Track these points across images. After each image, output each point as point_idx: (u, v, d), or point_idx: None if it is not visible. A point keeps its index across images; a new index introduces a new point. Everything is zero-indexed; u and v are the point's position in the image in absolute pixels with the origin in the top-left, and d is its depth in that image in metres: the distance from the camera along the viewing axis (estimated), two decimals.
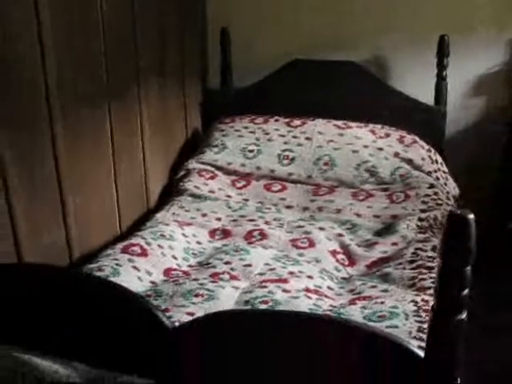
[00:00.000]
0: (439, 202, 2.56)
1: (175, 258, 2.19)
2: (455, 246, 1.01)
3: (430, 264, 2.06)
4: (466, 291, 1.04)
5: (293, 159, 2.81)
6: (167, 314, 1.70)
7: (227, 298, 1.84)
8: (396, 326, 1.66)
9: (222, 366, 1.29)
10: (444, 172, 2.84)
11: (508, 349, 2.53)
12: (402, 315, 1.73)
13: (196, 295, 1.84)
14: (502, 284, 2.82)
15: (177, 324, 1.32)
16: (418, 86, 3.05)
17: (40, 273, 1.46)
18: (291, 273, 2.04)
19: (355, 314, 1.76)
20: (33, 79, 1.87)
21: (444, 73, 2.95)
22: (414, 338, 1.60)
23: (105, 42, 2.22)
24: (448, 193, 2.72)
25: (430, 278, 1.95)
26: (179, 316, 1.69)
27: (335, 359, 1.22)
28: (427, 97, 2.99)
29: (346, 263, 2.24)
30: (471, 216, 0.99)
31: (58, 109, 1.97)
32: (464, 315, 1.05)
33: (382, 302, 1.83)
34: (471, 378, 1.81)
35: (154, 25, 2.65)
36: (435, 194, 2.61)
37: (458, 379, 1.65)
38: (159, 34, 2.71)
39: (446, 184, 2.77)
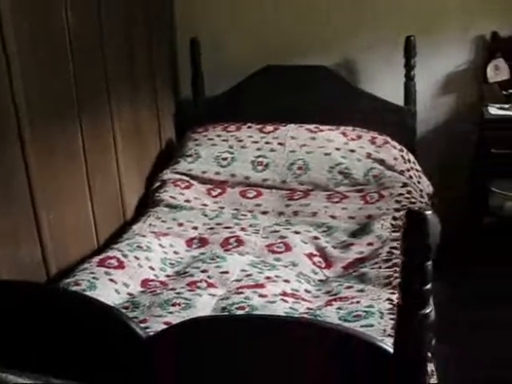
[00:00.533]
0: (413, 200, 2.60)
1: (152, 268, 2.19)
2: (414, 243, 1.03)
3: None
4: (428, 286, 1.06)
5: (267, 165, 2.83)
6: (144, 324, 1.71)
7: (204, 306, 1.85)
8: (371, 325, 1.69)
9: (198, 373, 1.30)
10: (417, 171, 2.88)
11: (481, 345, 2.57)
12: (377, 314, 1.75)
13: (173, 304, 1.85)
14: (473, 280, 2.87)
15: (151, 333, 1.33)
16: (387, 87, 3.10)
17: (14, 289, 1.46)
18: (268, 278, 2.06)
19: (331, 315, 1.78)
20: None
21: (412, 73, 3.00)
22: (389, 335, 1.61)
23: (72, 58, 2.23)
24: (422, 191, 2.77)
25: None
26: (156, 326, 1.68)
27: (309, 360, 1.23)
28: (398, 98, 3.03)
29: (323, 266, 2.26)
30: (429, 212, 1.02)
31: (26, 123, 1.96)
32: (428, 310, 1.08)
33: (358, 302, 1.85)
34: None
35: (122, 38, 2.66)
36: (409, 192, 2.64)
37: (434, 372, 1.68)
38: (127, 47, 2.71)
39: (419, 182, 2.82)
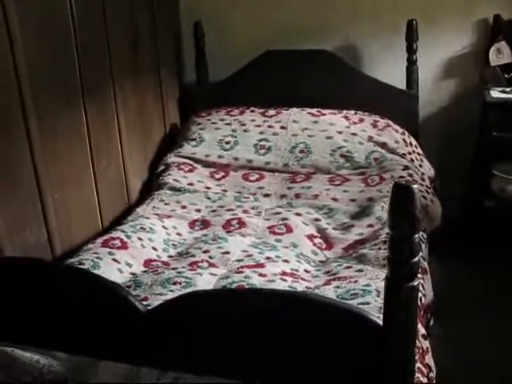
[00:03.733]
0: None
1: (155, 249, 2.23)
2: (401, 215, 1.06)
3: None
4: (415, 259, 1.08)
5: (269, 148, 2.86)
6: (146, 302, 1.74)
7: (204, 284, 1.89)
8: (368, 303, 1.71)
9: (197, 345, 1.34)
10: (419, 154, 2.90)
11: None
12: (374, 292, 1.78)
13: (174, 283, 1.88)
14: (473, 262, 2.91)
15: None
16: (389, 71, 3.11)
17: (19, 265, 1.50)
18: (268, 258, 2.09)
19: (329, 293, 1.81)
20: (3, 75, 1.89)
21: (414, 57, 3.01)
22: None
23: (76, 43, 2.26)
24: (423, 174, 2.78)
25: None
26: (157, 304, 1.72)
27: (303, 332, 1.27)
28: (400, 81, 3.04)
29: (324, 247, 2.29)
30: (415, 186, 1.04)
31: (31, 106, 2.00)
32: (416, 282, 1.10)
33: (356, 281, 1.88)
34: None
35: (126, 22, 2.68)
36: (409, 175, 2.66)
37: (429, 349, 1.71)
38: (131, 31, 2.73)
39: (420, 166, 2.83)
